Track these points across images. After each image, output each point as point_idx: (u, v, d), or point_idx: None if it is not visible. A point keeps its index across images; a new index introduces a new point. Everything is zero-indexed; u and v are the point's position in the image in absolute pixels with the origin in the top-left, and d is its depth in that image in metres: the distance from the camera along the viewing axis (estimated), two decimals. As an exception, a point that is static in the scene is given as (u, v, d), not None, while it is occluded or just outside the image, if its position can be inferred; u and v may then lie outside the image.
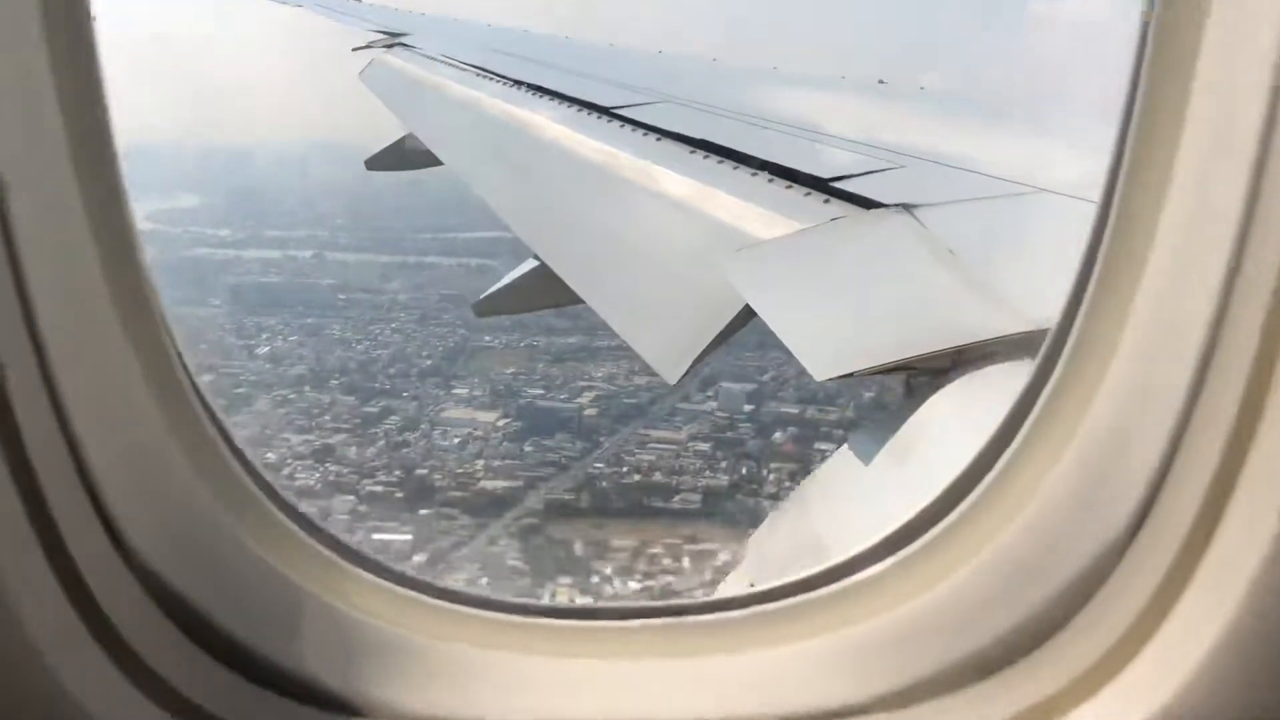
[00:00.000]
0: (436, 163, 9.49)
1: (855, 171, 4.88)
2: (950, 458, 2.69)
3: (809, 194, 4.77)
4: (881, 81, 9.47)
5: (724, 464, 58.96)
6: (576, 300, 5.59)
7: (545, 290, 6.73)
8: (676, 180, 5.74)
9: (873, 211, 4.29)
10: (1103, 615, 1.49)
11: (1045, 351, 1.61)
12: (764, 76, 10.80)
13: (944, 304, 3.31)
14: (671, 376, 4.03)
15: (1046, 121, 7.37)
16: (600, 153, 6.81)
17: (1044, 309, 3.02)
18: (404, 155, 10.96)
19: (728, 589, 3.05)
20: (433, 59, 12.43)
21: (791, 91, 9.63)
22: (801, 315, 3.73)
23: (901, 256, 3.85)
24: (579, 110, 7.93)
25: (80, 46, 1.32)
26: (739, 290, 3.91)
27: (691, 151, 6.07)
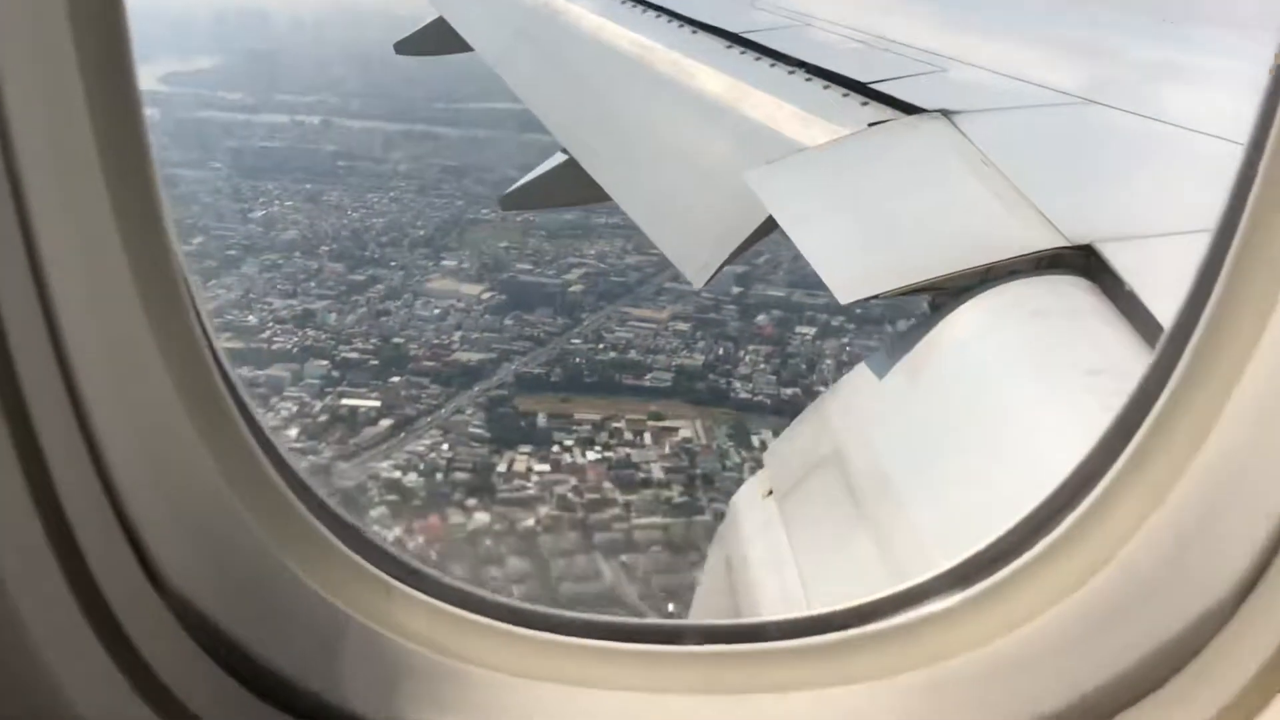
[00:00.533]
0: (467, 48, 9.32)
1: (895, 75, 4.73)
2: (967, 378, 2.66)
3: (847, 95, 4.64)
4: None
5: (701, 344, 59.41)
6: (604, 197, 5.51)
7: (572, 186, 6.65)
8: (712, 76, 5.60)
9: (910, 117, 4.17)
10: (1201, 683, 1.33)
11: (1157, 361, 1.40)
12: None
13: (977, 218, 3.22)
14: (698, 280, 3.98)
15: (1098, 29, 7.10)
16: (635, 45, 6.64)
17: (1082, 224, 2.94)
18: (435, 39, 10.76)
19: (744, 499, 3.05)
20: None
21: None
22: (827, 231, 3.62)
23: (936, 166, 3.74)
24: (617, 1, 7.72)
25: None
26: (765, 203, 3.82)
27: (729, 47, 5.90)
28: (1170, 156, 3.70)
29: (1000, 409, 2.47)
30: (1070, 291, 2.68)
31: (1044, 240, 2.88)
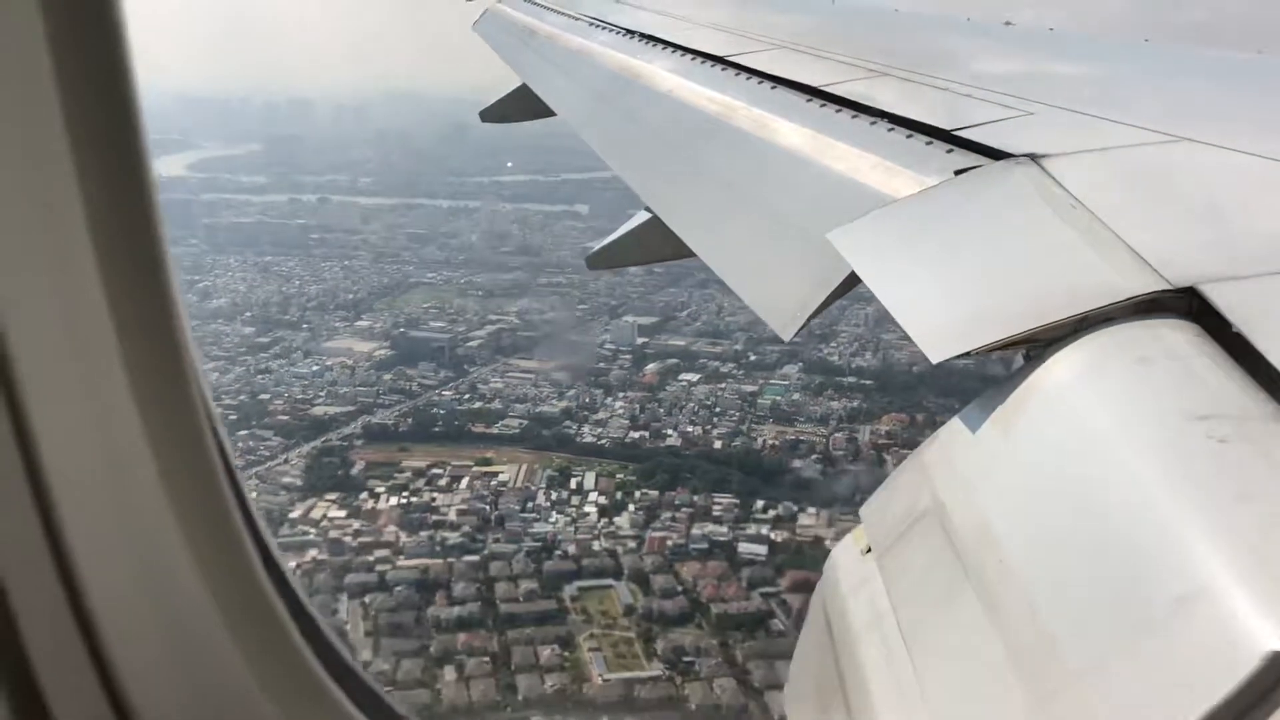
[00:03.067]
0: (550, 113, 9.52)
1: (980, 121, 4.69)
2: (1072, 428, 2.59)
3: (931, 144, 4.61)
4: (1009, 23, 9.09)
5: (570, 392, 59.50)
6: (688, 253, 5.54)
7: (657, 243, 6.71)
8: (792, 130, 5.62)
9: (998, 163, 4.12)
10: None
11: None
12: (884, 19, 10.47)
13: (1071, 265, 3.14)
14: (786, 333, 3.96)
15: (1187, 63, 6.97)
16: (714, 102, 6.71)
17: (1183, 266, 2.86)
18: (517, 106, 11.03)
19: (842, 555, 3.00)
20: (545, 8, 12.42)
21: (912, 34, 9.32)
22: (914, 288, 3.55)
23: (1025, 212, 3.68)
24: (693, 59, 7.83)
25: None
26: (850, 262, 3.78)
27: (809, 100, 5.93)
28: (1273, 193, 3.59)
29: (1106, 460, 2.40)
30: (1173, 336, 2.60)
31: (1143, 284, 2.80)
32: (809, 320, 3.93)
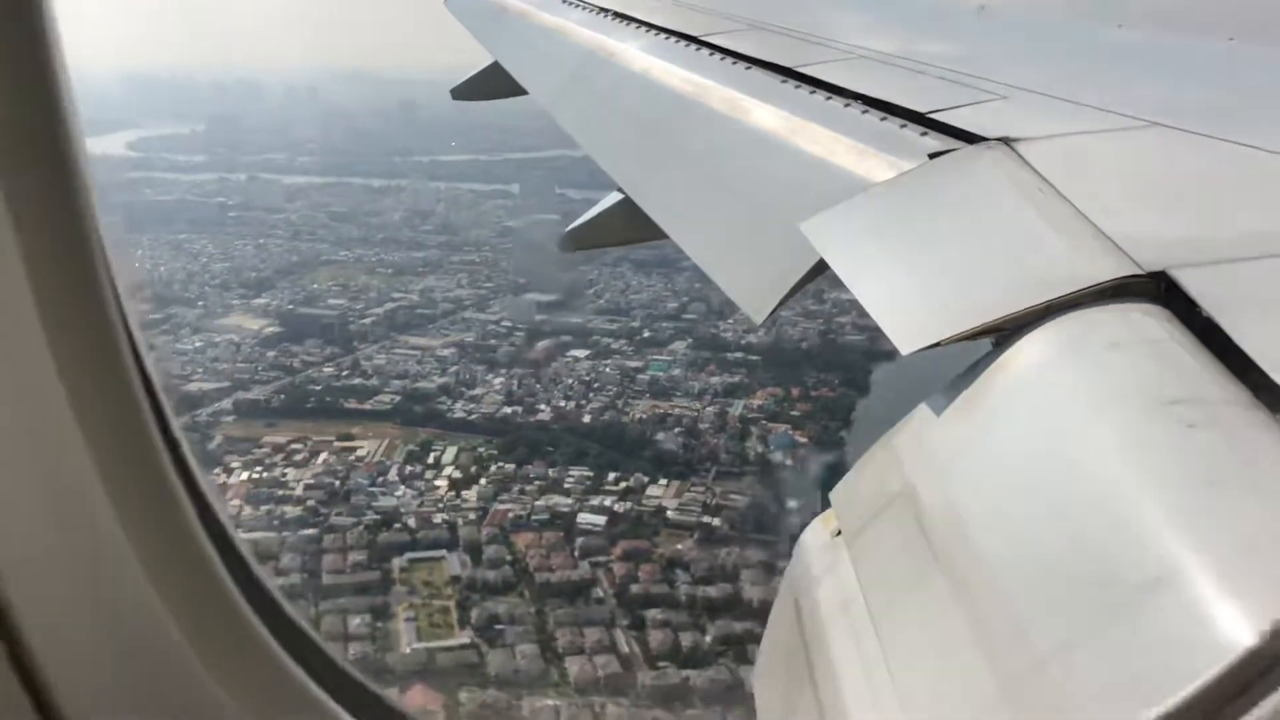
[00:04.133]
0: (520, 92, 9.45)
1: (953, 104, 4.68)
2: (1043, 411, 2.59)
3: (905, 126, 4.60)
4: (983, 7, 9.07)
5: (453, 369, 59.94)
6: (660, 235, 5.51)
7: (629, 224, 6.67)
8: (766, 111, 5.59)
9: (971, 146, 4.11)
10: None
11: None
12: (859, 2, 10.44)
13: (1042, 251, 3.14)
14: (758, 316, 3.95)
15: (1157, 51, 6.99)
16: (687, 82, 6.67)
17: (1154, 251, 2.86)
18: (489, 84, 10.94)
19: (811, 539, 2.99)
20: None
21: (887, 18, 9.29)
22: (884, 279, 3.53)
23: (997, 198, 3.67)
24: (666, 38, 7.77)
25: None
26: (821, 252, 3.75)
27: (783, 81, 5.89)
28: (1244, 178, 3.60)
29: (1077, 442, 2.40)
30: (1144, 320, 2.60)
31: (1114, 269, 2.80)
32: (780, 304, 3.92)
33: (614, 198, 7.31)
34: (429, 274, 70.40)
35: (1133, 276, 2.75)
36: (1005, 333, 2.81)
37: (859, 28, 7.56)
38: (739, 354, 61.05)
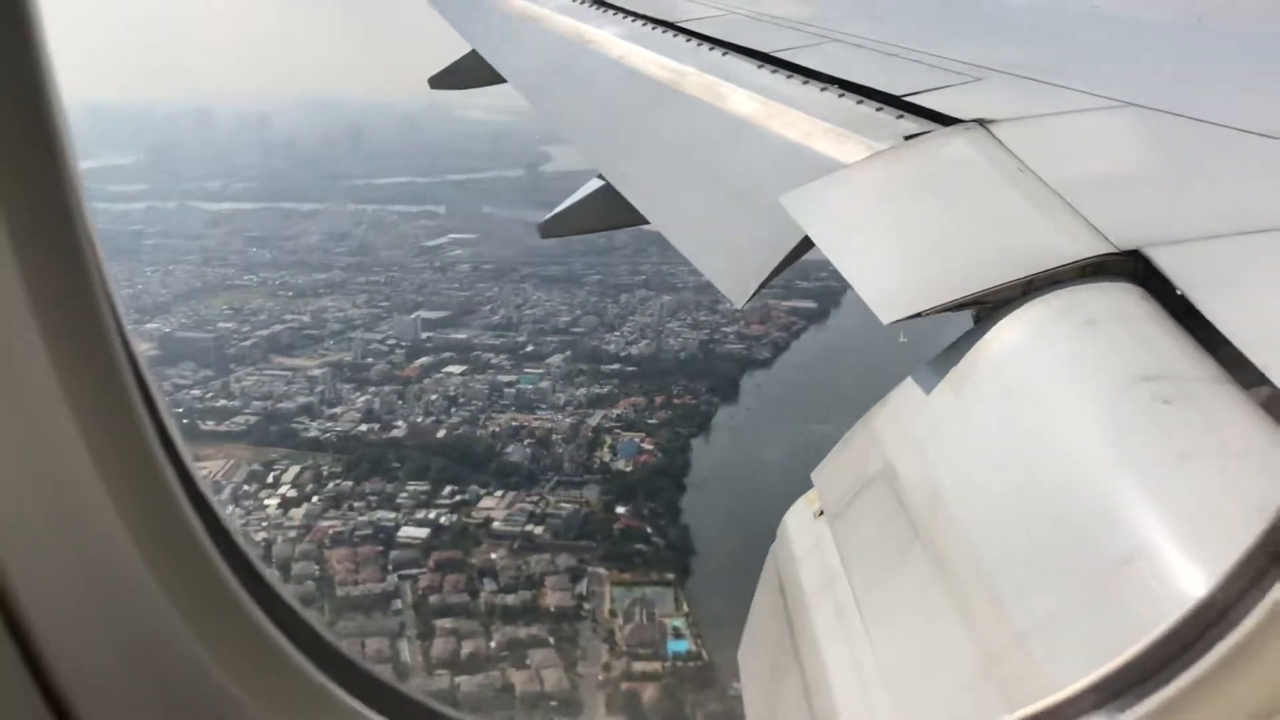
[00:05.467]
0: (499, 80, 9.41)
1: (929, 87, 4.70)
2: (1020, 389, 2.63)
3: (881, 109, 4.62)
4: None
5: (320, 389, 59.90)
6: (641, 220, 5.52)
7: (610, 210, 6.67)
8: (745, 96, 5.60)
9: (947, 128, 4.14)
10: None
11: None
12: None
13: (1019, 228, 3.18)
14: (738, 299, 3.96)
15: (1129, 32, 7.03)
16: (666, 69, 6.67)
17: (1128, 229, 2.89)
18: (467, 73, 10.87)
19: (795, 519, 3.02)
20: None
21: (861, 3, 9.31)
22: (866, 251, 3.58)
23: (974, 177, 3.70)
24: (644, 25, 7.76)
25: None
26: (802, 225, 3.79)
27: (760, 66, 5.90)
28: (1216, 157, 3.64)
29: (1055, 419, 2.43)
30: (1120, 298, 2.64)
31: (1090, 247, 2.83)
32: (760, 288, 3.93)
33: (593, 184, 7.31)
34: (329, 295, 71.66)
35: (1108, 255, 2.79)
36: (986, 306, 2.85)
37: (835, 13, 7.58)
38: (616, 365, 62.19)
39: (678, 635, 41.67)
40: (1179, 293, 2.55)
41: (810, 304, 66.67)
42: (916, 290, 3.02)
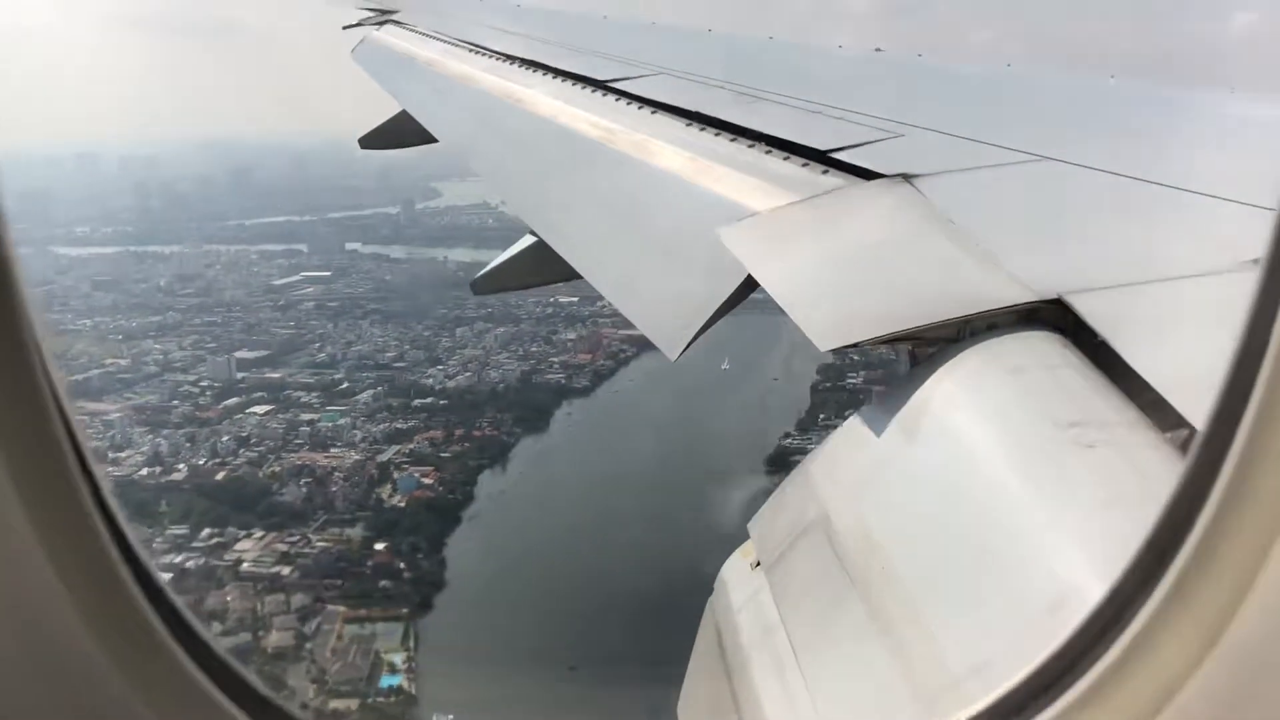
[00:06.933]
0: (430, 139, 9.42)
1: (853, 142, 4.81)
2: (948, 438, 2.67)
3: (806, 165, 4.71)
4: (878, 49, 9.37)
5: (111, 434, 58.54)
6: (574, 275, 5.53)
7: (542, 266, 6.68)
8: (673, 153, 5.67)
9: (872, 182, 4.23)
10: None
11: (1192, 472, 1.19)
12: (759, 47, 10.69)
13: (950, 273, 3.25)
14: (672, 352, 3.97)
15: (1045, 90, 7.28)
16: (595, 127, 6.74)
17: (1049, 278, 2.97)
18: (397, 133, 10.88)
19: (732, 571, 3.01)
20: (424, 35, 12.32)
21: (787, 62, 9.53)
22: (804, 284, 3.68)
23: (902, 226, 3.79)
24: (573, 84, 7.85)
25: None
26: (740, 260, 3.85)
27: (687, 124, 6.00)
28: (1129, 208, 3.77)
29: (983, 468, 2.47)
30: (1043, 346, 2.70)
31: (1014, 295, 2.90)
32: (694, 339, 3.95)
33: (526, 240, 7.32)
34: (162, 337, 70.91)
35: (1031, 303, 2.86)
36: (921, 343, 2.91)
37: (761, 73, 7.74)
38: (429, 399, 61.86)
39: (393, 670, 41.88)
40: (1099, 339, 2.61)
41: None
42: (854, 322, 3.09)
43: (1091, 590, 1.94)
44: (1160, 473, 2.14)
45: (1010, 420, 2.55)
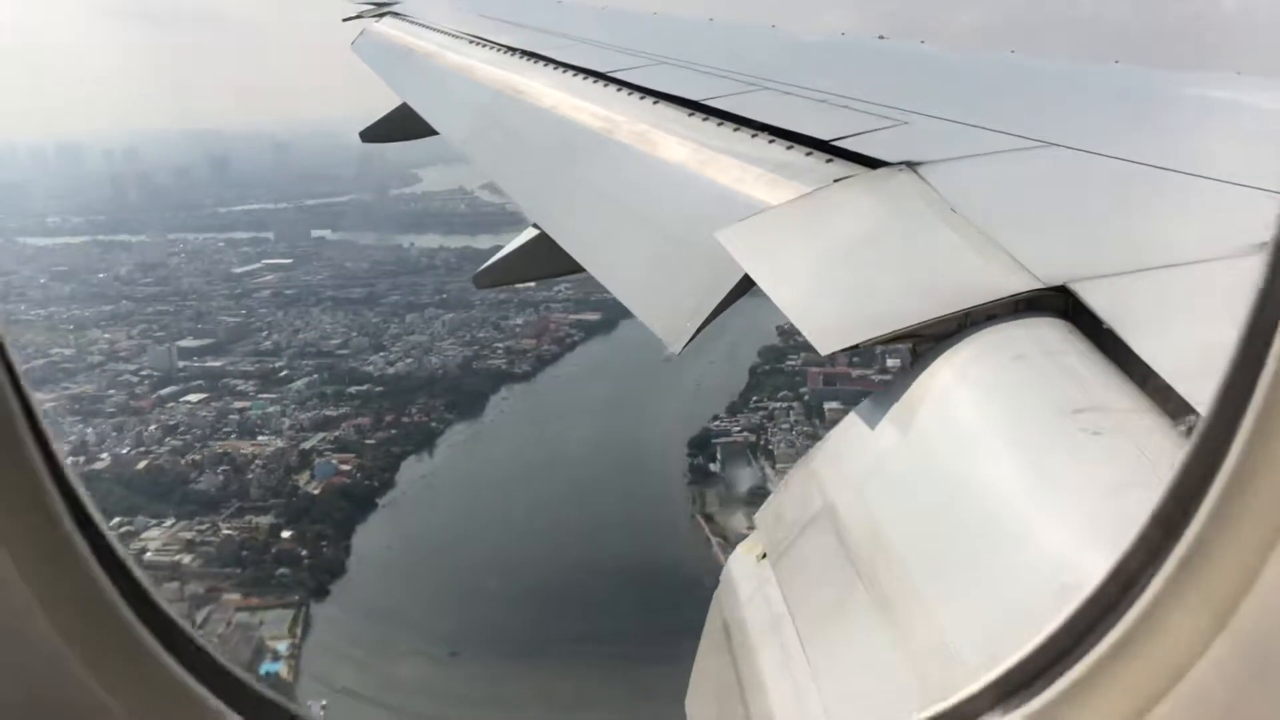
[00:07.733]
0: (432, 132, 9.41)
1: (857, 130, 4.79)
2: (953, 427, 2.65)
3: (810, 154, 4.69)
4: (882, 37, 9.33)
5: (134, 432, 57.53)
6: (577, 268, 5.52)
7: (545, 259, 6.66)
8: (675, 144, 5.65)
9: (876, 171, 4.21)
10: None
11: (1201, 443, 1.16)
12: (762, 35, 10.64)
13: (951, 265, 3.23)
14: (675, 345, 3.96)
15: (1048, 75, 7.24)
16: (597, 118, 6.71)
17: (1054, 266, 2.95)
18: (399, 126, 10.87)
19: (738, 562, 3.00)
20: (425, 27, 12.30)
21: (790, 50, 9.49)
22: (801, 284, 3.65)
23: (906, 217, 3.76)
24: (574, 75, 7.82)
25: None
26: (738, 260, 3.83)
27: (690, 114, 5.97)
28: (1134, 194, 3.74)
29: (988, 456, 2.45)
30: (1047, 333, 2.69)
31: (1018, 284, 2.89)
32: (697, 333, 3.94)
33: (529, 233, 7.31)
34: (111, 326, 70.84)
35: (1036, 291, 2.85)
36: (923, 340, 2.89)
37: (763, 61, 7.70)
38: (365, 386, 61.85)
39: (275, 658, 42.22)
40: (1105, 326, 2.60)
41: (595, 315, 66.07)
42: (853, 323, 3.07)
43: (1098, 576, 1.93)
44: (1168, 459, 2.13)
45: (1015, 407, 2.53)
